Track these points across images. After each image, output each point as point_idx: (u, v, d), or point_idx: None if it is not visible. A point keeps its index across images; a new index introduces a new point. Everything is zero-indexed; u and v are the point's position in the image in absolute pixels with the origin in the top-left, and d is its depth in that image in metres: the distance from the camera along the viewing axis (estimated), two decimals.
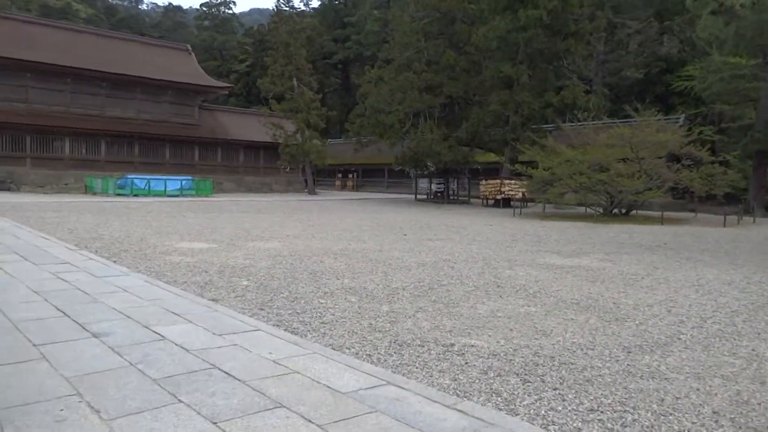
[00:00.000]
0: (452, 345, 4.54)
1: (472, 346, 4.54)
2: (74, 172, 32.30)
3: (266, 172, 41.43)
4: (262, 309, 5.61)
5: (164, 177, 31.44)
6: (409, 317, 5.44)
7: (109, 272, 7.05)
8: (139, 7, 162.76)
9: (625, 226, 18.10)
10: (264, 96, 40.52)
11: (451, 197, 32.60)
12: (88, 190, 30.76)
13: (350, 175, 50.06)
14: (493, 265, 8.78)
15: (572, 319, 5.53)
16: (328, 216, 19.40)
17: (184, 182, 31.61)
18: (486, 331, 4.99)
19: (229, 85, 44.44)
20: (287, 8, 78.26)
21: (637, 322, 5.42)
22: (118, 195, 28.75)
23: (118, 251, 9.09)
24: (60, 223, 13.27)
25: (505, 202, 27.28)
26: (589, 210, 22.23)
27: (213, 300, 5.89)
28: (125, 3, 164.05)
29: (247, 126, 40.62)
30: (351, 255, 9.52)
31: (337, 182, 51.18)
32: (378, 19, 52.08)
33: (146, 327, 4.56)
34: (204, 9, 76.49)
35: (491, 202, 29.10)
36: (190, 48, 42.42)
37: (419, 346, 4.50)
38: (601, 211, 21.91)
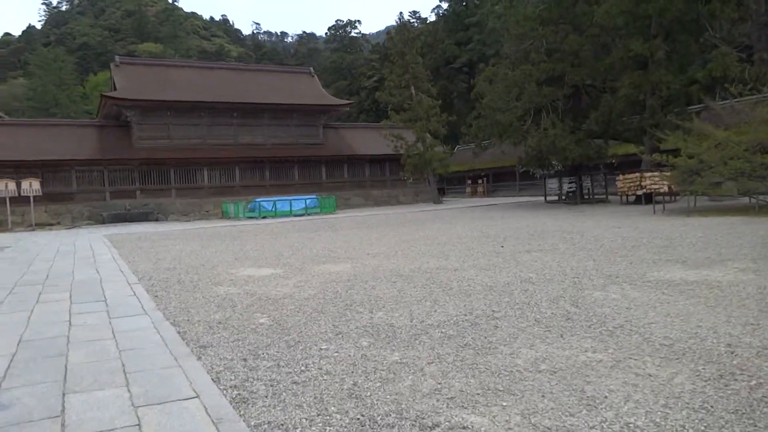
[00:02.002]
0: (435, 426, 3.14)
1: (464, 428, 3.10)
2: (213, 199, 34.55)
3: (392, 184, 41.20)
4: (246, 359, 4.61)
5: (290, 198, 32.35)
6: (414, 372, 4.08)
7: (128, 312, 6.54)
8: (285, 40, 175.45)
9: None
10: (385, 108, 40.42)
11: (586, 196, 29.52)
12: (223, 215, 32.62)
13: (480, 181, 48.14)
14: (582, 285, 6.96)
15: (650, 374, 3.78)
16: (434, 227, 18.14)
17: (308, 201, 32.26)
18: (504, 399, 3.49)
19: (350, 102, 45.11)
20: (414, 20, 78.68)
21: (752, 383, 3.52)
22: (249, 218, 30.04)
23: (173, 283, 8.73)
24: (158, 253, 13.58)
25: (648, 198, 23.88)
26: (755, 200, 18.47)
27: (202, 347, 5.02)
28: (273, 39, 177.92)
29: (371, 140, 40.77)
30: (416, 277, 8.24)
31: (468, 189, 49.53)
32: (499, 15, 49.77)
33: (65, 394, 3.75)
34: (331, 32, 79.44)
35: (632, 198, 25.82)
36: (312, 70, 43.76)
37: (387, 427, 3.17)
38: None
